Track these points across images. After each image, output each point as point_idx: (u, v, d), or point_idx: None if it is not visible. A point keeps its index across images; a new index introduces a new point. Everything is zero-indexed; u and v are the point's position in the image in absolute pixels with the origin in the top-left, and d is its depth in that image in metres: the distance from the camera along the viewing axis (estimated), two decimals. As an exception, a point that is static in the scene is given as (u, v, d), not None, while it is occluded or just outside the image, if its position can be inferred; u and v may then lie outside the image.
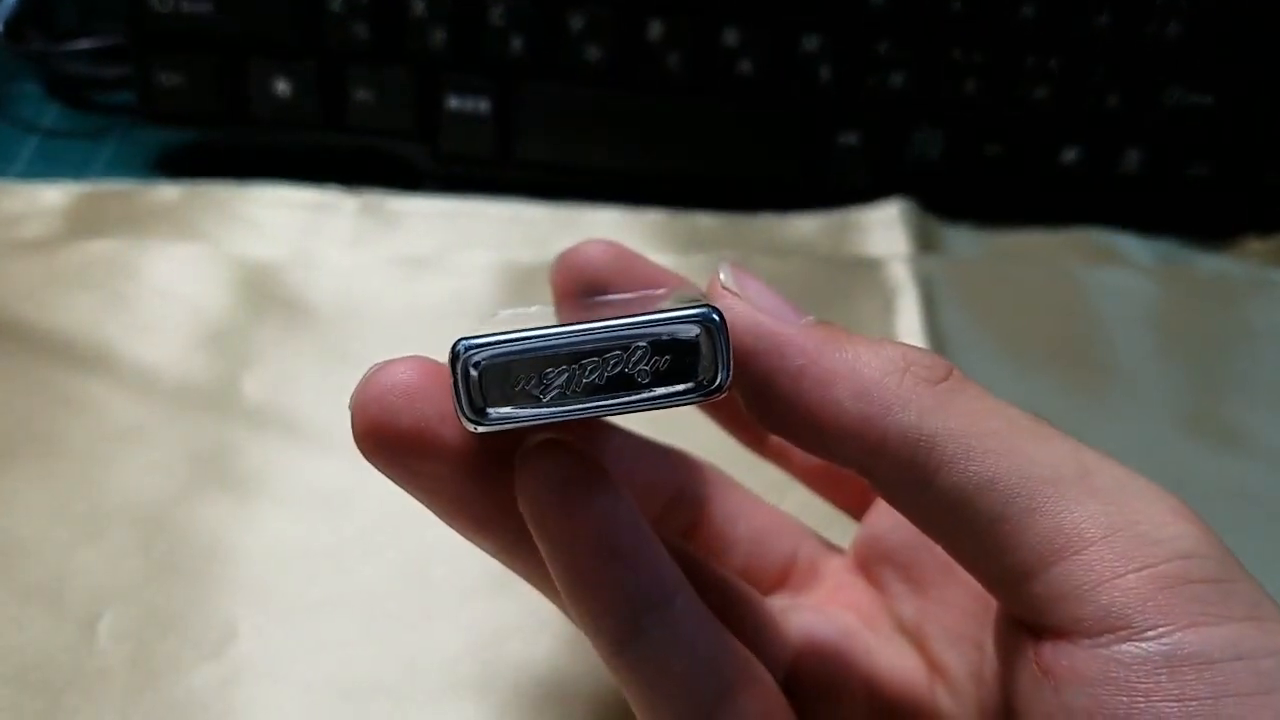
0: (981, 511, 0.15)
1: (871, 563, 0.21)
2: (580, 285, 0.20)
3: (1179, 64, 0.37)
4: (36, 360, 0.30)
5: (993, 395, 0.16)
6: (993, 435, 0.15)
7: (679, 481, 0.21)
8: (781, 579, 0.21)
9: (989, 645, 0.18)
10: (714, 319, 0.14)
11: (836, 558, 0.22)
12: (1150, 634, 0.14)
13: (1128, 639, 0.14)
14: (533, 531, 0.16)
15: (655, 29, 0.35)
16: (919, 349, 0.16)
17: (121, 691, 0.24)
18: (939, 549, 0.19)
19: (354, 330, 0.32)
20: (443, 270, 0.34)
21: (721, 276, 0.17)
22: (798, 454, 0.21)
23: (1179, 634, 0.14)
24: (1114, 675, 0.14)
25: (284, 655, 0.24)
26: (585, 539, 0.15)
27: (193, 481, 0.27)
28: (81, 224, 0.34)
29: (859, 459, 0.16)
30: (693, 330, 0.14)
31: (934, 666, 0.20)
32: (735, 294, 0.16)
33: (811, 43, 0.36)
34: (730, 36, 0.35)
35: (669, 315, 0.14)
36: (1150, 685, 0.14)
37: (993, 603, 0.18)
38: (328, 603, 0.25)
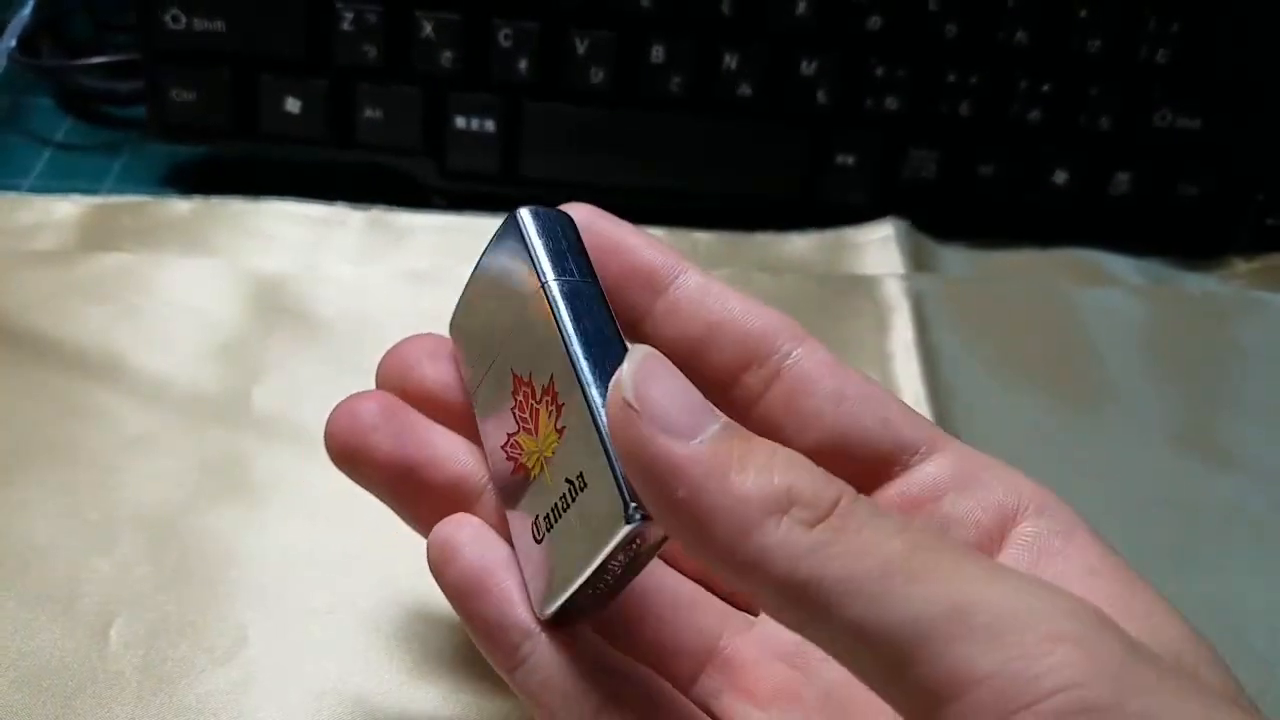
0: (861, 657, 0.15)
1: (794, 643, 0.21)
2: None
3: (1168, 88, 0.38)
4: (49, 370, 0.30)
5: (879, 521, 0.15)
6: (866, 580, 0.14)
7: None
8: (706, 658, 0.21)
9: None
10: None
11: (759, 634, 0.21)
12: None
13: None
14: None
15: (657, 51, 0.36)
16: (811, 473, 0.16)
17: (133, 697, 0.24)
18: None
19: (361, 342, 0.32)
20: (448, 284, 0.34)
21: (624, 381, 0.16)
22: None
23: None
24: None
25: (293, 660, 0.25)
26: (461, 586, 0.19)
27: (203, 490, 0.28)
28: (94, 237, 0.35)
29: (743, 591, 0.16)
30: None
31: None
32: (633, 408, 0.16)
33: (810, 65, 0.36)
34: (730, 59, 0.36)
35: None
36: None
37: None
38: (336, 609, 0.26)
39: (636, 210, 0.38)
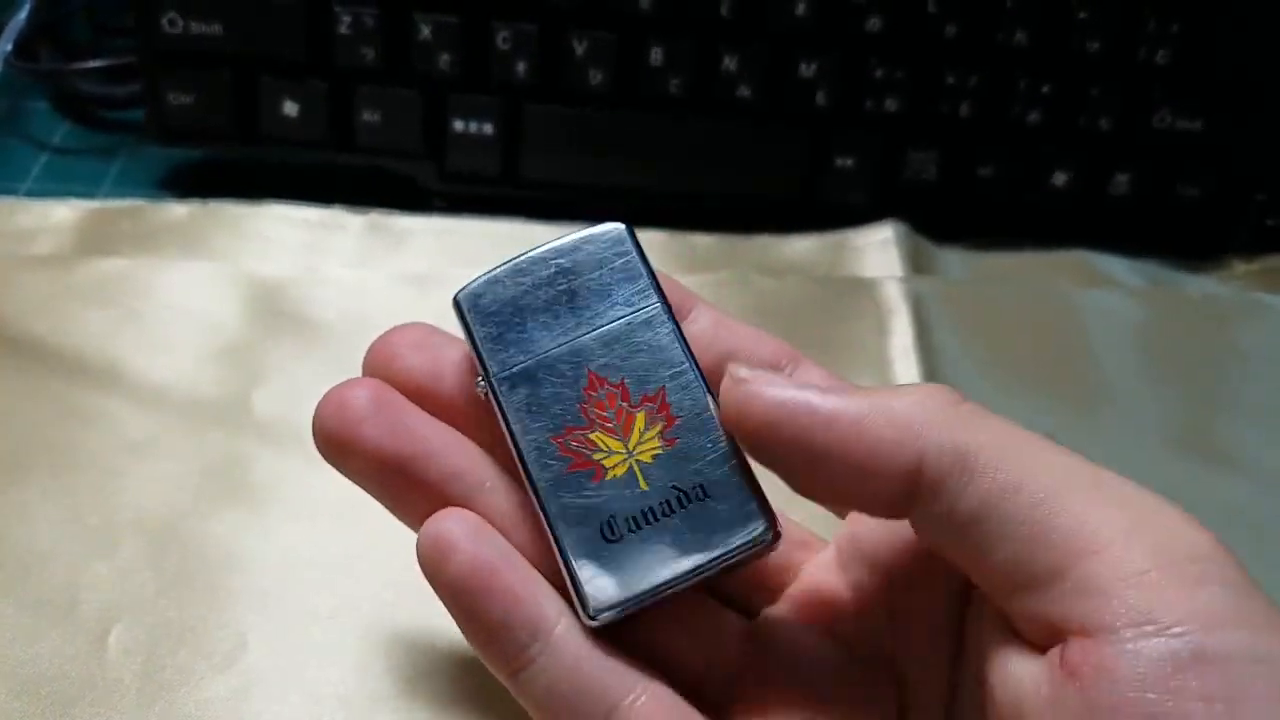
0: (1010, 515, 0.16)
1: (851, 563, 0.21)
2: None
3: (1168, 89, 0.38)
4: (49, 375, 0.30)
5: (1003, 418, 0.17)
6: (1015, 447, 0.17)
7: None
8: (757, 578, 0.22)
9: (972, 665, 0.18)
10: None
11: (816, 555, 0.22)
12: (1176, 630, 0.14)
13: (1154, 634, 0.14)
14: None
15: (657, 53, 0.36)
16: (931, 384, 0.18)
17: (133, 704, 0.24)
18: (916, 558, 0.19)
19: (361, 345, 0.31)
20: (447, 287, 0.33)
21: (741, 372, 0.18)
22: None
23: (1203, 633, 0.14)
24: (1141, 671, 0.14)
25: (293, 667, 0.25)
26: (462, 584, 0.19)
27: (204, 494, 0.28)
28: (92, 241, 0.35)
29: (897, 487, 0.17)
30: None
31: (901, 685, 0.20)
32: (751, 380, 0.18)
33: (809, 66, 0.36)
34: (730, 60, 0.36)
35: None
36: (1177, 682, 0.14)
37: (961, 616, 0.19)
38: (337, 614, 0.26)
39: (636, 211, 0.38)
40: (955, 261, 0.38)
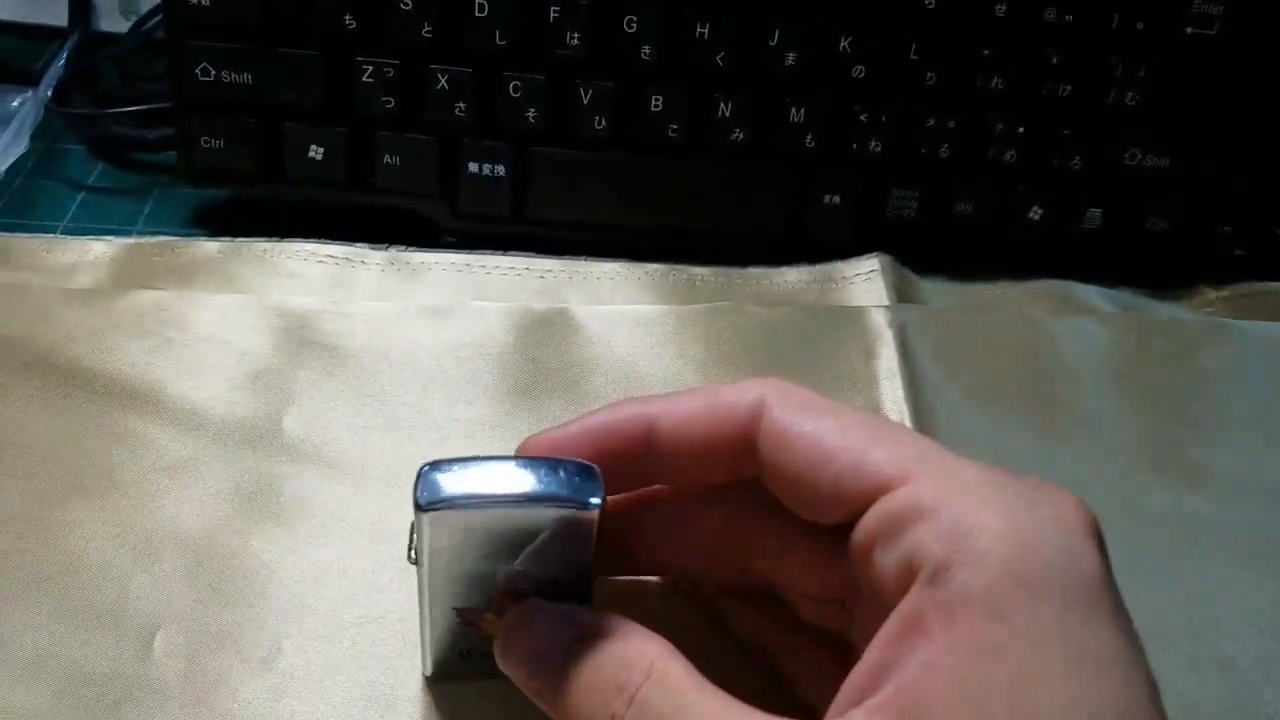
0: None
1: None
2: None
3: (1137, 129, 0.40)
4: (93, 401, 0.32)
5: (683, 685, 0.21)
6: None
7: None
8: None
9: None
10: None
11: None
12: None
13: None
14: None
15: (656, 100, 0.38)
16: (620, 654, 0.21)
17: (177, 704, 0.26)
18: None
19: (384, 372, 0.34)
20: (463, 317, 0.36)
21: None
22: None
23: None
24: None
25: (327, 669, 0.27)
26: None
27: (238, 511, 0.30)
28: (128, 275, 0.37)
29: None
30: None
31: None
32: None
33: (798, 111, 0.39)
34: (724, 106, 0.39)
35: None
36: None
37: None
38: (365, 621, 0.28)
39: (638, 247, 0.40)
40: (937, 291, 0.40)
